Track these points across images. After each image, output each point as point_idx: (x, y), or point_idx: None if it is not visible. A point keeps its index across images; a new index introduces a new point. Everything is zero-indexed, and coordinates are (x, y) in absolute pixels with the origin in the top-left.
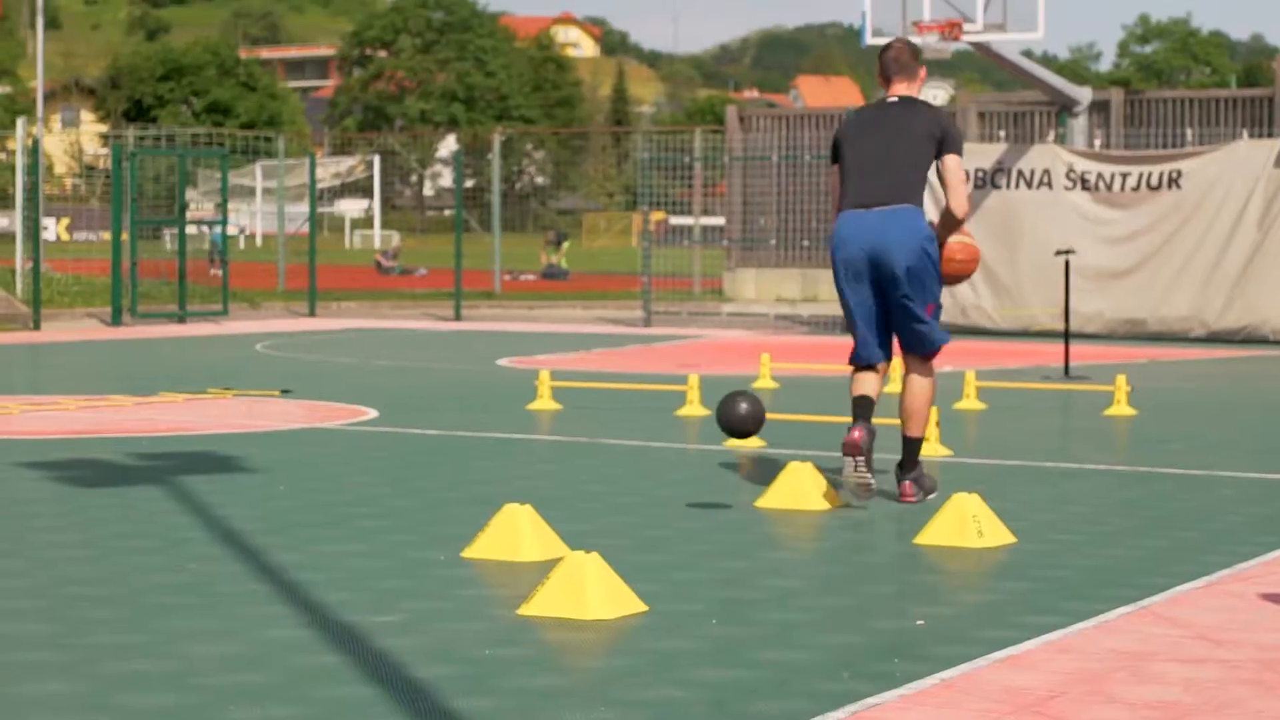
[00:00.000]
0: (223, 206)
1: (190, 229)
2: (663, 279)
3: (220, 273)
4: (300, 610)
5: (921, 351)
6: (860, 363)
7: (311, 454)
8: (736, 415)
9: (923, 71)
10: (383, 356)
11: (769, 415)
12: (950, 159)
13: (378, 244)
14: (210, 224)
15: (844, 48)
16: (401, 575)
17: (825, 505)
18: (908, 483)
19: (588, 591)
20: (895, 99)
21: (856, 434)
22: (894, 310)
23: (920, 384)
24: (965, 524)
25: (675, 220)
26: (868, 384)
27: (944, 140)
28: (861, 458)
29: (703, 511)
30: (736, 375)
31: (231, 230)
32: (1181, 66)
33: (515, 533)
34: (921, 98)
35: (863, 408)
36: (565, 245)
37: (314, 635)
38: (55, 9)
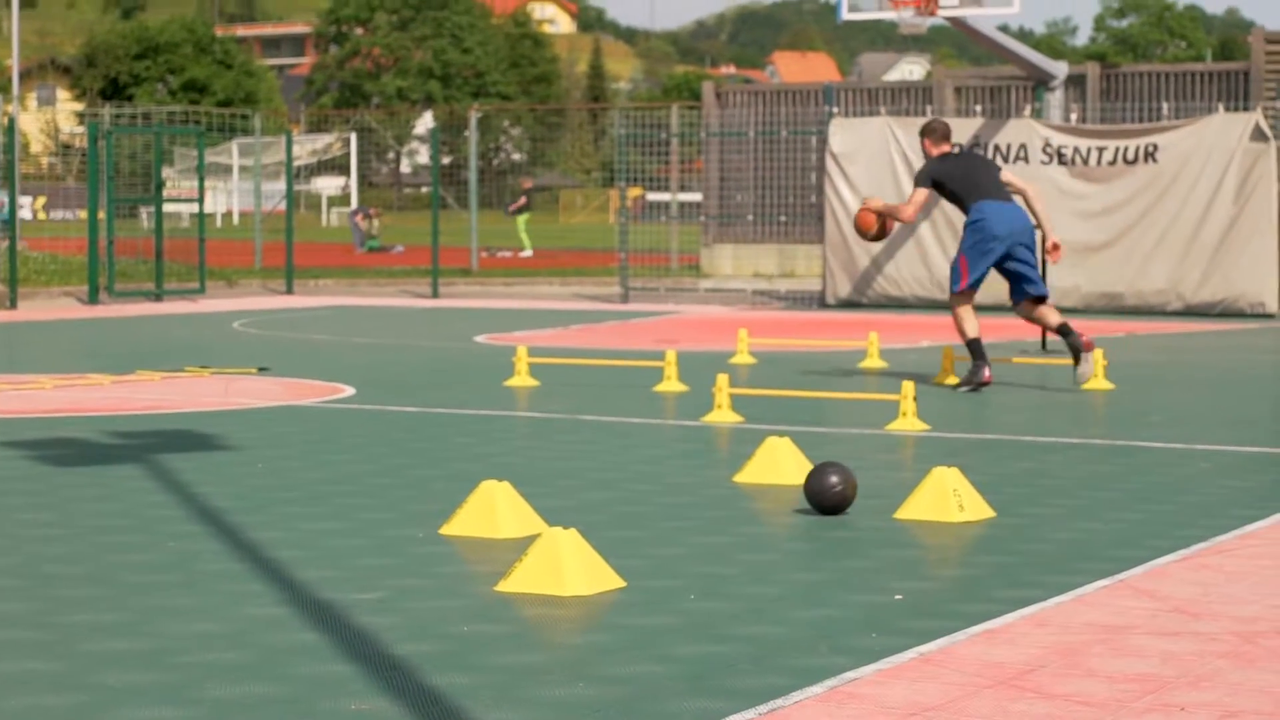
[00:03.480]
0: (12, 179)
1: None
2: (640, 255)
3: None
4: (278, 588)
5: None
6: None
7: (289, 432)
8: (828, 491)
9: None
10: (360, 334)
11: (748, 390)
12: None
13: None
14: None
15: (820, 24)
16: (379, 553)
17: (803, 480)
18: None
19: (565, 568)
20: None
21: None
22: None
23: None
24: (946, 498)
25: (652, 196)
26: None
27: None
28: None
29: (680, 487)
30: (714, 350)
31: (190, 209)
32: (1157, 41)
33: (493, 509)
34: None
35: None
36: (524, 219)
37: (292, 613)
38: None
